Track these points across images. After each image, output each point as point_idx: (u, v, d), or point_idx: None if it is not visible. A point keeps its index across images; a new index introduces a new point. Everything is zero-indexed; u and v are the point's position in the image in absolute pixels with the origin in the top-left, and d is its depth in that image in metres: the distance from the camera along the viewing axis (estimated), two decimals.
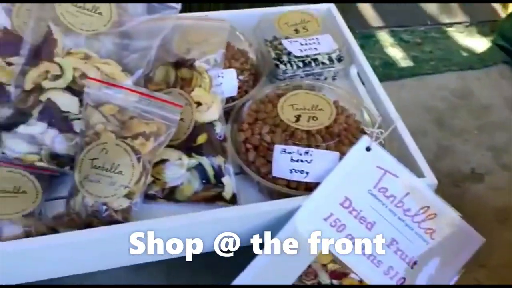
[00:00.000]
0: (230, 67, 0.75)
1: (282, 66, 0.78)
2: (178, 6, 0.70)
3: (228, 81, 0.71)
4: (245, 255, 0.58)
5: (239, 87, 0.73)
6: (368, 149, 0.60)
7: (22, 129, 0.60)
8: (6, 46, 0.67)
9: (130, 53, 0.68)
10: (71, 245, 0.55)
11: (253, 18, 0.87)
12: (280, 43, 0.82)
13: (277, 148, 0.62)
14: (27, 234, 0.57)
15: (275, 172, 0.62)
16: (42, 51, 0.64)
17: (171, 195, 0.63)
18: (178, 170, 0.62)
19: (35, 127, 0.61)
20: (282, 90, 0.73)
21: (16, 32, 0.68)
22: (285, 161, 0.61)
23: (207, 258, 0.63)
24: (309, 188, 0.61)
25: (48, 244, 0.54)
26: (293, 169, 0.61)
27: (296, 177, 0.61)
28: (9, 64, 0.67)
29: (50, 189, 0.63)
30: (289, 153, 0.61)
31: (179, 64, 0.67)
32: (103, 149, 0.58)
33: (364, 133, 0.66)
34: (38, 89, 0.62)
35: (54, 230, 0.59)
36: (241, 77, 0.74)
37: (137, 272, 0.70)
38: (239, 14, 0.87)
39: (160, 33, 0.69)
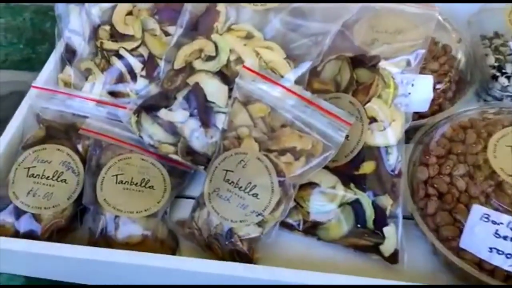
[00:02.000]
0: (424, 68, 0.56)
1: (502, 80, 0.55)
2: None
3: (420, 91, 0.52)
4: None
5: (432, 100, 0.54)
6: None
7: (163, 113, 0.52)
8: (166, 12, 0.59)
9: (300, 37, 0.55)
10: (187, 273, 0.45)
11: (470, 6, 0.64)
12: (504, 44, 0.58)
13: (477, 210, 0.43)
14: (144, 239, 0.49)
15: (465, 243, 0.43)
16: (200, 23, 0.55)
17: (312, 230, 0.49)
18: (328, 204, 0.48)
19: (177, 114, 0.52)
20: (495, 116, 0.51)
21: None
22: (485, 232, 0.42)
23: None
24: (511, 278, 0.41)
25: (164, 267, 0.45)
26: (495, 248, 0.41)
27: (497, 260, 0.41)
28: (167, 34, 0.59)
29: (180, 186, 0.54)
30: (495, 222, 0.41)
31: (358, 61, 0.50)
32: (241, 161, 0.46)
33: None
34: (188, 69, 0.53)
35: (174, 237, 0.51)
36: (438, 85, 0.55)
37: None
38: None
39: (343, 15, 0.54)
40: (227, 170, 0.46)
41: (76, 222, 0.53)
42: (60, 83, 0.62)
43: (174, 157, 0.52)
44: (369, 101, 0.48)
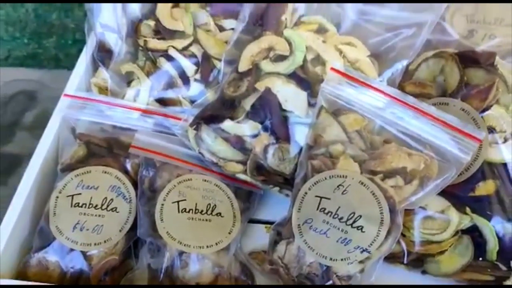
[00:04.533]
0: None
1: None
2: None
3: None
4: None
5: None
6: None
7: (228, 126, 0.44)
8: (220, 4, 0.50)
9: (380, 30, 0.46)
10: None
11: None
12: None
13: None
14: (216, 277, 0.42)
15: None
16: (266, 16, 0.46)
17: (417, 263, 0.42)
18: (439, 232, 0.40)
19: (246, 127, 0.43)
20: None
21: None
22: None
23: None
24: None
25: None
26: None
27: None
28: (221, 29, 0.50)
29: (248, 212, 0.46)
30: None
31: (467, 59, 0.42)
32: (340, 186, 0.38)
33: None
34: (255, 71, 0.44)
35: (248, 273, 0.43)
36: None
37: None
38: None
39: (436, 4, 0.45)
40: (321, 197, 0.38)
41: (130, 259, 0.44)
42: (93, 88, 0.53)
43: (242, 177, 0.44)
44: (487, 108, 0.40)
